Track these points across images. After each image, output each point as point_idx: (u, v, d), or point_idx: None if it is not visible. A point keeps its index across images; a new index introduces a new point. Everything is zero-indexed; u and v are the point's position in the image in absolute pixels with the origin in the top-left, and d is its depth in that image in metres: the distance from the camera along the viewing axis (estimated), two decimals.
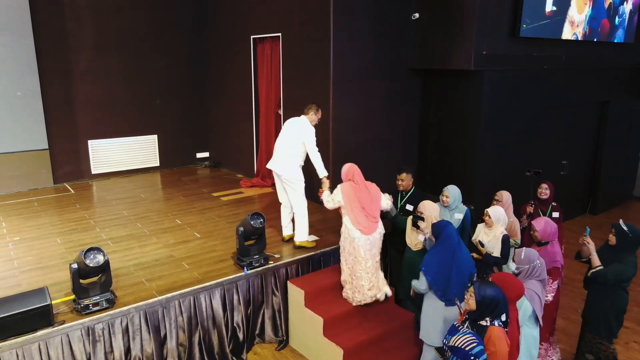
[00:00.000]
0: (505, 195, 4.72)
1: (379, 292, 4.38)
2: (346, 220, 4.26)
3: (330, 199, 4.38)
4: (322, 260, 4.97)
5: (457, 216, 4.65)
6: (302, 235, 5.03)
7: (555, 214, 5.02)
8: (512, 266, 3.67)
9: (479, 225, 4.46)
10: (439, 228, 3.79)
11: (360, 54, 6.09)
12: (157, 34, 7.99)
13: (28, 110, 6.87)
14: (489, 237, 4.22)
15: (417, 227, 4.18)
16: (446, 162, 6.65)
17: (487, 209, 4.31)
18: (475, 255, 4.17)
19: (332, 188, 4.62)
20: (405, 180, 4.88)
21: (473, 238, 4.37)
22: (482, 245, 4.16)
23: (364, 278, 4.27)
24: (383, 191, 4.46)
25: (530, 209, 5.10)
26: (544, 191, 5.04)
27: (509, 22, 6.05)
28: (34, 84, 6.86)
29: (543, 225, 4.03)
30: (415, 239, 4.35)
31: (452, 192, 4.64)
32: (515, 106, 6.52)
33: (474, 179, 6.27)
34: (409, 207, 4.82)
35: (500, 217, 4.22)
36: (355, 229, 4.18)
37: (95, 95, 7.57)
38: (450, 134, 6.55)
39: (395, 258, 5.15)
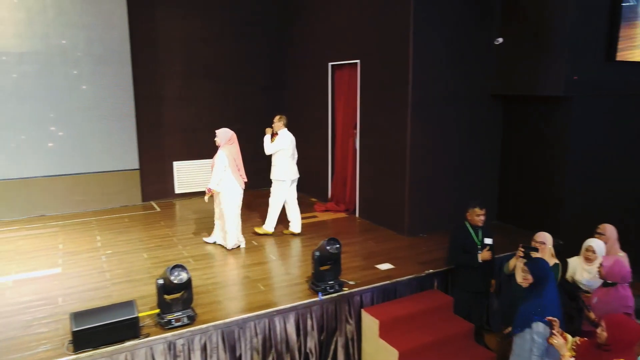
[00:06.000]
0: (609, 229, 4.27)
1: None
2: (231, 178, 5.42)
3: (220, 169, 5.36)
4: (397, 290, 4.83)
5: None
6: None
7: None
8: None
9: (572, 260, 4.12)
10: (547, 270, 3.53)
11: (440, 79, 5.99)
12: (239, 63, 8.42)
13: (124, 133, 7.47)
14: (591, 274, 3.88)
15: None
16: (530, 193, 6.29)
17: (590, 242, 3.96)
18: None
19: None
20: (485, 215, 4.61)
21: (569, 275, 4.04)
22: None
23: (238, 220, 5.60)
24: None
25: None
26: None
27: (604, 45, 5.69)
28: (130, 109, 7.46)
29: (611, 263, 3.56)
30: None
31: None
32: (609, 135, 6.07)
33: (561, 211, 5.87)
34: (488, 241, 4.56)
35: (603, 251, 3.90)
36: (238, 184, 5.48)
37: (182, 120, 8.06)
38: (535, 163, 6.20)
39: (460, 296, 4.81)
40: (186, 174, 8.27)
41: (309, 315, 4.35)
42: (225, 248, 5.63)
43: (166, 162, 8.10)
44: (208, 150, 8.35)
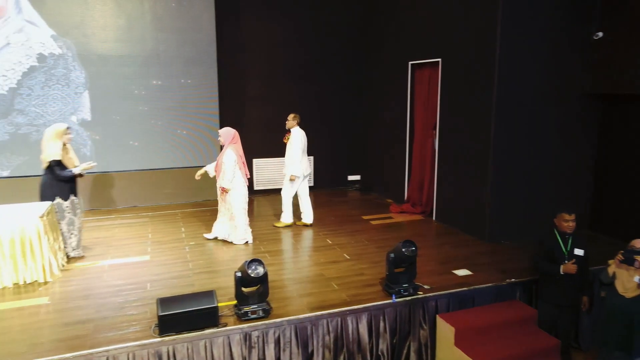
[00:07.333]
0: None
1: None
2: (239, 176, 5.62)
3: (232, 167, 5.54)
4: (475, 298, 4.62)
5: None
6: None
7: None
8: None
9: None
10: None
11: (528, 77, 5.64)
12: (319, 63, 8.54)
13: (208, 130, 7.86)
14: None
15: (631, 263, 3.74)
16: (631, 202, 5.72)
17: None
18: None
19: None
20: (574, 222, 4.23)
21: None
22: None
23: (246, 215, 5.83)
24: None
25: None
26: None
27: None
28: (215, 107, 7.84)
29: None
30: (629, 283, 3.81)
31: None
32: None
33: None
34: (579, 252, 4.18)
35: None
36: (243, 181, 5.69)
37: (262, 119, 8.33)
38: (638, 169, 5.63)
39: (544, 308, 4.48)
40: (264, 171, 8.53)
41: (381, 317, 4.29)
42: (233, 243, 5.82)
43: (246, 159, 8.37)
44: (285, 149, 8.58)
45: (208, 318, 3.78)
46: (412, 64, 7.23)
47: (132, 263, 5.23)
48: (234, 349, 3.84)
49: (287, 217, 6.51)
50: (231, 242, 5.84)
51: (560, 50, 5.73)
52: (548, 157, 5.93)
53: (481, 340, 4.15)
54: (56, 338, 3.69)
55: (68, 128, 5.36)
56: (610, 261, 4.04)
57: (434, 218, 6.84)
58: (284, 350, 4.00)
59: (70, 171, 5.30)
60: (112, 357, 3.53)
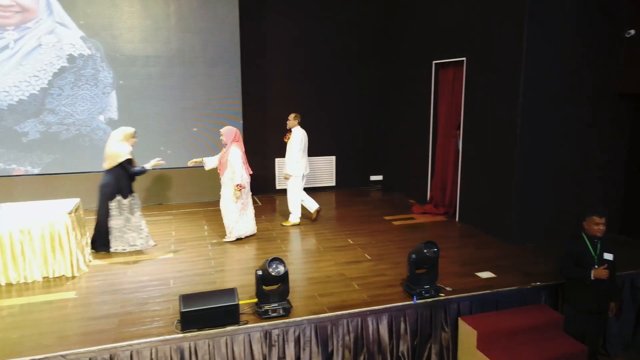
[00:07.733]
0: None
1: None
2: (243, 171, 5.69)
3: (240, 164, 5.62)
4: (498, 301, 4.53)
5: None
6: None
7: None
8: None
9: None
10: None
11: (556, 76, 5.51)
12: (342, 62, 8.53)
13: None
14: None
15: None
16: None
17: None
18: None
19: None
20: (605, 225, 4.10)
21: None
22: None
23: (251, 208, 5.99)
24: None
25: None
26: None
27: None
28: (238, 107, 7.91)
29: None
30: None
31: None
32: None
33: None
34: (608, 257, 4.06)
35: None
36: (246, 178, 5.78)
37: (284, 118, 8.33)
38: None
39: (570, 313, 4.34)
40: None
41: (402, 319, 4.26)
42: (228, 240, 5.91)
43: (268, 158, 8.45)
44: (308, 147, 8.58)
45: (229, 315, 3.82)
46: (436, 63, 7.15)
47: (156, 260, 5.33)
48: (254, 347, 3.87)
49: (295, 217, 6.60)
50: (250, 240, 5.88)
51: (589, 48, 5.58)
52: (575, 157, 5.78)
53: (505, 344, 4.07)
54: (82, 332, 3.79)
55: (135, 132, 5.56)
56: None
57: (457, 219, 6.75)
58: (304, 349, 4.00)
59: (143, 167, 5.51)
60: (136, 351, 3.60)
